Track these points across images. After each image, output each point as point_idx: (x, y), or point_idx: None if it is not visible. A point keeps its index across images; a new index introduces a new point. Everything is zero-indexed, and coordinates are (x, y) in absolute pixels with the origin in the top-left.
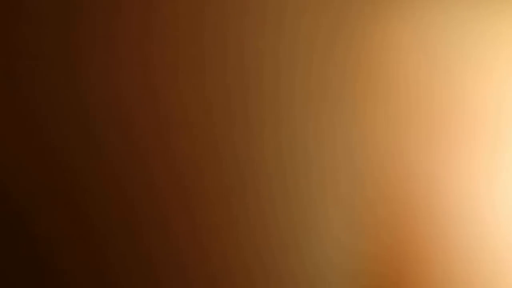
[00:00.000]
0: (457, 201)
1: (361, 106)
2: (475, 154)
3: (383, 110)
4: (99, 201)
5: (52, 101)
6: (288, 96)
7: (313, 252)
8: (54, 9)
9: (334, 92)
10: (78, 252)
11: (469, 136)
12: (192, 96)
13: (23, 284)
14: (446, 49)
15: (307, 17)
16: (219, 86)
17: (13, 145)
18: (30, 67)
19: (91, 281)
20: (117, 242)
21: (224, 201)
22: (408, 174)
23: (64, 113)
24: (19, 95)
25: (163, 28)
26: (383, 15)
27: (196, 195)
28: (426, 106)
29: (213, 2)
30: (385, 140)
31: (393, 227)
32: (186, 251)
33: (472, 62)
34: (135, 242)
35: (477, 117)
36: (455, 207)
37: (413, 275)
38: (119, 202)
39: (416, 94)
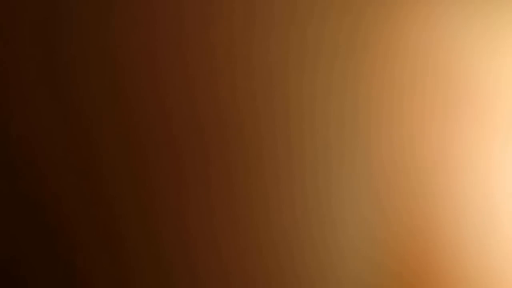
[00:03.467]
0: (473, 215)
1: (375, 123)
2: (491, 162)
3: (398, 125)
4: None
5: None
6: (307, 108)
7: (333, 261)
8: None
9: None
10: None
11: (486, 144)
12: (203, 94)
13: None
14: (454, 50)
15: (313, 22)
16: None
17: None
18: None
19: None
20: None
21: (248, 213)
22: (424, 189)
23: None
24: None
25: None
26: (391, 16)
27: (222, 201)
28: (440, 112)
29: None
30: (401, 156)
31: (408, 241)
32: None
33: (481, 62)
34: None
35: (490, 121)
36: (471, 221)
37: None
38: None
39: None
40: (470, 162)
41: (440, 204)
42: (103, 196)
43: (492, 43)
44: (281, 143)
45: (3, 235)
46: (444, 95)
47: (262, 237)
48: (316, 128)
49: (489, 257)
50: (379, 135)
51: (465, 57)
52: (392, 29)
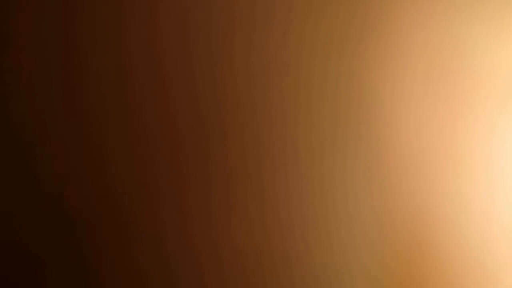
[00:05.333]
0: (476, 216)
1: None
2: (494, 163)
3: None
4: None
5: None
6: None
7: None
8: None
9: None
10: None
11: (487, 142)
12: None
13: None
14: (450, 49)
15: (311, 20)
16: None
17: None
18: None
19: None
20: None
21: (260, 217)
22: (424, 189)
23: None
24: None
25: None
26: (386, 16)
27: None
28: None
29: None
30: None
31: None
32: (223, 247)
33: (478, 61)
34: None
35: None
36: (473, 221)
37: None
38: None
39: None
40: (472, 162)
41: (440, 204)
42: (111, 191)
43: (490, 37)
44: (278, 145)
45: (21, 229)
46: (446, 88)
47: (257, 237)
48: (312, 130)
49: (489, 256)
50: (377, 136)
51: (464, 45)
52: (388, 15)
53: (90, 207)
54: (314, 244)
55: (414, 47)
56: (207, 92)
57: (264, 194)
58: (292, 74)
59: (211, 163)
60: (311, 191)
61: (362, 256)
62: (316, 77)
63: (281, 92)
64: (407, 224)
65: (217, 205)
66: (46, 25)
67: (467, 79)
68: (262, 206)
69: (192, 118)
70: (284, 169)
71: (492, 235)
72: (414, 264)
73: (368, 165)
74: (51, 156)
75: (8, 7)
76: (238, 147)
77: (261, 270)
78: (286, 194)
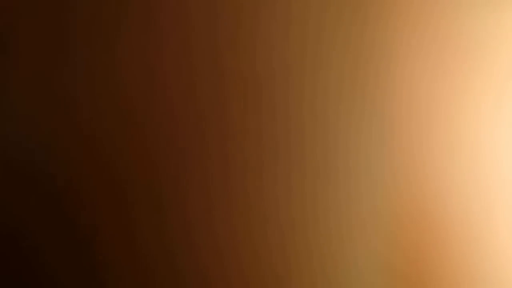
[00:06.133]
0: (481, 213)
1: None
2: (499, 160)
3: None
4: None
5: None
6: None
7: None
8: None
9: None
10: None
11: (494, 137)
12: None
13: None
14: (449, 47)
15: (311, 20)
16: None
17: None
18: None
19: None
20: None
21: (244, 212)
22: (432, 185)
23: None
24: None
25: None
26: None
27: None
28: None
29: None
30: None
31: (416, 239)
32: (233, 251)
33: (476, 58)
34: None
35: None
36: (478, 220)
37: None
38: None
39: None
40: (478, 159)
41: (448, 202)
42: (113, 189)
43: (488, 36)
44: (282, 144)
45: (26, 226)
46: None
47: (256, 237)
48: (318, 126)
49: (497, 256)
50: (383, 134)
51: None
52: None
53: (92, 206)
54: (322, 236)
55: (430, 20)
56: (206, 85)
57: (264, 185)
58: (297, 74)
59: (210, 158)
60: (315, 184)
61: (371, 239)
62: (323, 72)
63: (285, 92)
64: (420, 205)
65: (216, 200)
66: (42, 23)
67: (476, 51)
68: (261, 198)
69: (191, 115)
70: (288, 159)
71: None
72: (427, 248)
73: (383, 166)
74: (52, 155)
75: (7, 7)
76: (239, 135)
77: (272, 265)
78: (287, 187)
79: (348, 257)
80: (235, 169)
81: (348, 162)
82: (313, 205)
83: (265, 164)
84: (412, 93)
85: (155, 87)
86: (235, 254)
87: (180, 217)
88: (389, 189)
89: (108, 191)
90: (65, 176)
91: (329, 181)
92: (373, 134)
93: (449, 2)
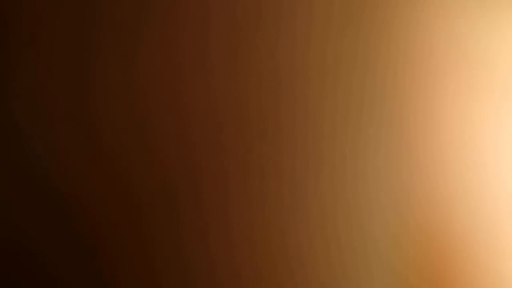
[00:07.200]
0: (489, 218)
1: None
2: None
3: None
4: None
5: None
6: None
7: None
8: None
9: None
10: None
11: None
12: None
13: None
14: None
15: (318, 15)
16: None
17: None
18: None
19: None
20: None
21: (261, 213)
22: (440, 191)
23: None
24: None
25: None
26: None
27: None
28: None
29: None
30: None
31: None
32: (242, 251)
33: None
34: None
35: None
36: (486, 224)
37: None
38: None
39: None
40: (486, 160)
41: (457, 205)
42: (125, 192)
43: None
44: (300, 145)
45: (29, 232)
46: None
47: (273, 241)
48: (337, 127)
49: (505, 261)
50: (390, 136)
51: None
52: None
53: (103, 209)
54: (331, 235)
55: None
56: (222, 87)
57: (276, 188)
58: (302, 78)
59: (227, 160)
60: (329, 185)
61: (380, 244)
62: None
63: (305, 96)
64: (428, 211)
65: (234, 203)
66: (51, 21)
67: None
68: (280, 200)
69: (207, 117)
70: (306, 160)
71: None
72: (435, 254)
73: (389, 149)
74: (58, 155)
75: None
76: (257, 141)
77: (289, 268)
78: (305, 188)
79: (357, 258)
80: (253, 170)
81: (357, 164)
82: (332, 207)
83: (284, 165)
84: (419, 96)
85: (170, 89)
86: (251, 258)
87: (195, 221)
88: (408, 195)
89: (121, 195)
90: (75, 180)
91: (346, 182)
92: (383, 137)
93: (454, 3)
